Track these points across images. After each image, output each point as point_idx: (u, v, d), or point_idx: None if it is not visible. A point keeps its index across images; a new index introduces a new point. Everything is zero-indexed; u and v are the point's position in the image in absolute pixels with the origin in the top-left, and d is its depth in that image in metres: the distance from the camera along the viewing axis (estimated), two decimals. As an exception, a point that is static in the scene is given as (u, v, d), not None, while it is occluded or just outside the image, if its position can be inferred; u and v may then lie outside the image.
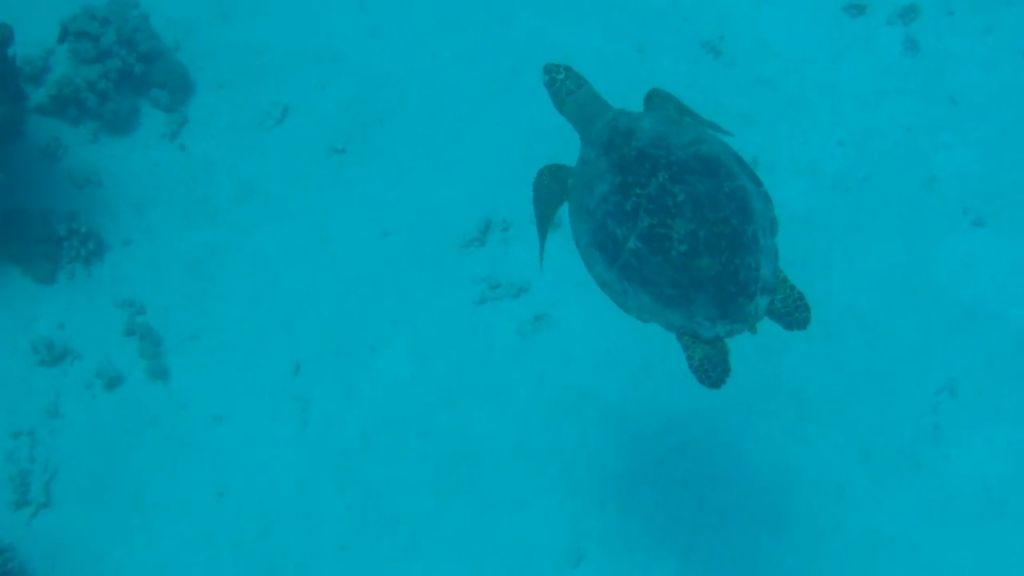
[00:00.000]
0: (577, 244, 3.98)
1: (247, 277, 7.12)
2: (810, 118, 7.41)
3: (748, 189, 3.80)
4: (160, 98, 7.63)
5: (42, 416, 6.73)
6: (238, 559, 6.36)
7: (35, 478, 6.54)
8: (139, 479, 6.56)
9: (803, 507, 6.25)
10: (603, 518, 6.31)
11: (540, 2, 7.82)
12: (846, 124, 7.34)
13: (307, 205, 7.33)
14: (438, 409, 6.64)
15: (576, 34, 7.65)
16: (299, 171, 7.46)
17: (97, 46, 7.43)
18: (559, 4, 7.80)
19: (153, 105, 7.66)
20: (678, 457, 6.41)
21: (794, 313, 3.88)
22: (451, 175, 7.31)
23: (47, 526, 6.46)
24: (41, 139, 7.39)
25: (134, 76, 7.56)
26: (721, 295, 3.71)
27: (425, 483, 6.45)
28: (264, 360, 6.86)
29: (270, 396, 6.75)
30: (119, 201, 7.36)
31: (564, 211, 4.15)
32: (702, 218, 3.67)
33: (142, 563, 6.37)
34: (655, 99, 4.13)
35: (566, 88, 4.12)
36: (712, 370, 3.86)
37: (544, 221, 4.22)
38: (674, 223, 3.68)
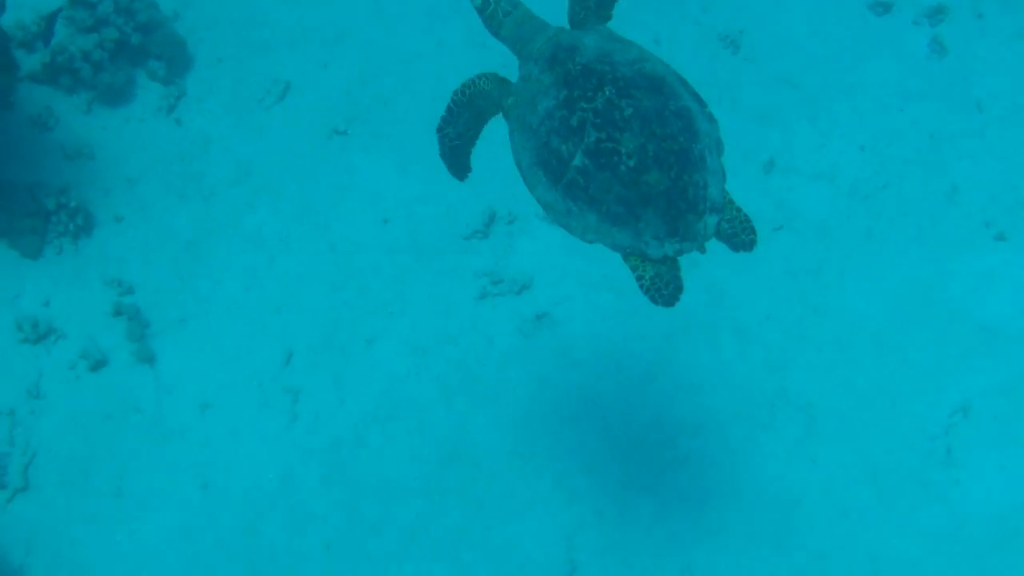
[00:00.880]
0: (518, 165, 3.87)
1: (240, 260, 6.89)
2: (830, 120, 7.21)
3: (693, 109, 3.73)
4: (157, 70, 7.38)
5: (23, 396, 6.50)
6: (219, 553, 6.18)
7: (13, 461, 6.34)
8: (121, 466, 6.34)
9: (806, 527, 6.10)
10: (599, 530, 6.14)
11: (554, -12, 7.58)
12: (867, 128, 7.15)
13: (305, 188, 7.11)
14: (433, 407, 6.45)
15: (591, 22, 7.41)
16: (298, 152, 7.24)
17: (94, 14, 7.19)
18: (573, -10, 7.57)
19: (150, 77, 7.41)
20: (679, 469, 6.25)
21: (740, 235, 3.81)
22: (456, 163, 7.10)
23: (24, 511, 6.25)
24: (32, 108, 7.14)
25: (131, 46, 7.33)
26: (670, 211, 3.63)
27: (416, 484, 6.28)
28: (255, 348, 6.65)
29: (259, 386, 6.55)
30: (111, 175, 7.12)
31: (504, 133, 3.99)
32: (650, 133, 3.60)
33: (120, 553, 6.18)
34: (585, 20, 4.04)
35: (502, 9, 4.06)
36: (664, 288, 3.75)
37: (467, 129, 4.20)
38: (622, 137, 3.60)
